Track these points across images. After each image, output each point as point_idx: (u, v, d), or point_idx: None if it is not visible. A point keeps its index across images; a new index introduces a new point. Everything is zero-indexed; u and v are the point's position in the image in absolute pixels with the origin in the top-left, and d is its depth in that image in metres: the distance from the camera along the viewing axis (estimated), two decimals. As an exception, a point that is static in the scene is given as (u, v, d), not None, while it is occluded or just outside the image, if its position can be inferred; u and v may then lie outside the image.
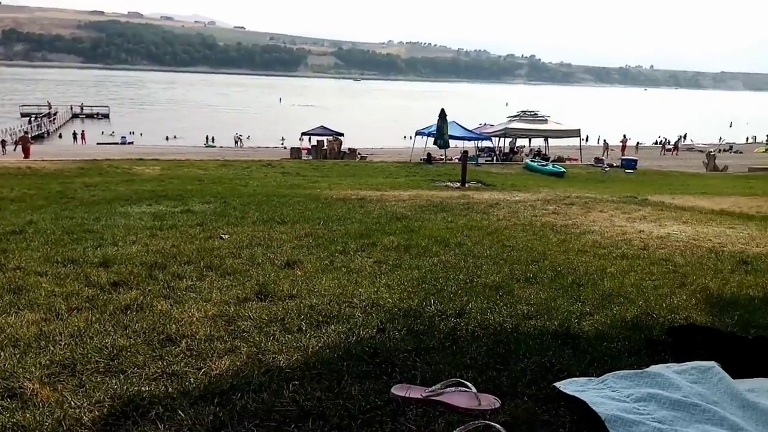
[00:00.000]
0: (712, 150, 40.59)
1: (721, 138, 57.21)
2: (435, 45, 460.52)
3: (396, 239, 5.45)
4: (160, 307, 3.16)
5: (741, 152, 47.90)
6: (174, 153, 31.34)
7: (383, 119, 73.84)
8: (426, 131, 29.98)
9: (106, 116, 67.43)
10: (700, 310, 3.25)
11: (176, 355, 2.51)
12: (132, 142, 46.51)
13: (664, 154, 44.67)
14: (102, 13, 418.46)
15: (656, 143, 54.26)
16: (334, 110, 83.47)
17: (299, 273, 4.09)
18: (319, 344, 2.65)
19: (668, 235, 6.42)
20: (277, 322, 2.96)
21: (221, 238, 5.34)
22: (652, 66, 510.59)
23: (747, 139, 61.09)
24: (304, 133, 39.42)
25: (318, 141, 34.19)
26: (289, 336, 2.76)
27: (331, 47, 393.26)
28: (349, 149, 33.28)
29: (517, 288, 3.75)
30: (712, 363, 2.11)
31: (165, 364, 2.41)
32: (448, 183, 17.21)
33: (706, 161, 33.74)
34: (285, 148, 38.80)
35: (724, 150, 47.77)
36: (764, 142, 55.24)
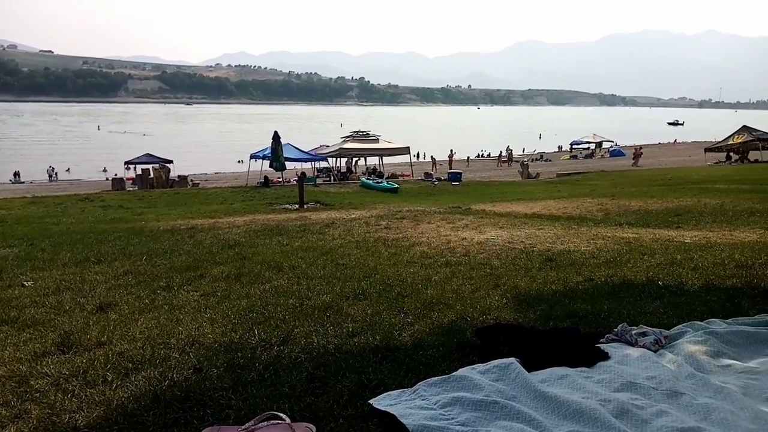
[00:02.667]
0: (525, 159, 44.99)
1: (534, 150, 63.65)
2: (265, 68, 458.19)
3: (227, 269, 5.23)
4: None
5: (550, 160, 53.55)
6: (-31, 194, 27.37)
7: (216, 144, 71.35)
8: (261, 154, 29.53)
9: None
10: (510, 309, 3.51)
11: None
12: None
13: (500, 166, 48.51)
14: None
15: (479, 156, 58.81)
16: (162, 136, 79.01)
17: (113, 316, 3.73)
18: (126, 395, 2.40)
19: (487, 240, 6.90)
20: (79, 375, 2.64)
21: (23, 285, 4.74)
22: (469, 86, 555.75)
23: (559, 147, 68.53)
24: (128, 163, 36.69)
25: (143, 170, 32.04)
26: (92, 390, 2.47)
27: (154, 71, 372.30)
28: (179, 177, 31.63)
29: (346, 306, 3.76)
30: (512, 359, 2.26)
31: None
32: (287, 205, 17.05)
33: (521, 170, 37.26)
34: (107, 179, 35.77)
35: (536, 159, 53.09)
36: (568, 150, 62.37)
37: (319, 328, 3.24)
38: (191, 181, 31.65)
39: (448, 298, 3.86)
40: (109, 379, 2.60)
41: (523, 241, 6.73)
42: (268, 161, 27.62)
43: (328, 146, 36.67)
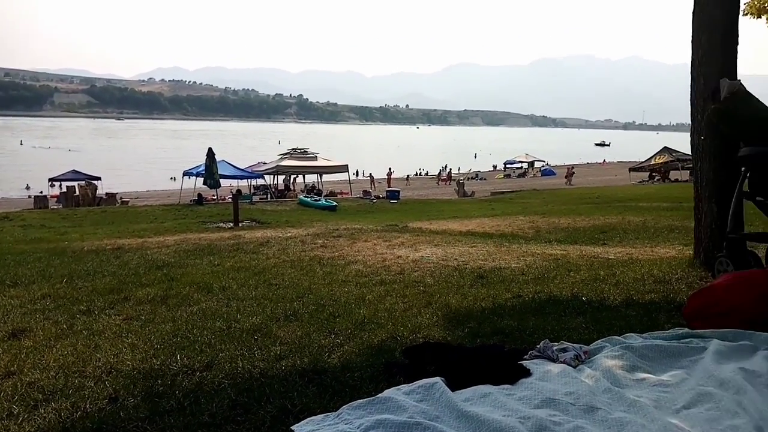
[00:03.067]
0: (461, 178, 45.97)
1: (470, 169, 65.10)
2: (201, 83, 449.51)
3: (153, 291, 5.03)
4: None
5: (485, 179, 54.96)
6: None
7: (148, 161, 69.11)
8: (194, 171, 28.85)
9: None
10: (440, 327, 3.53)
11: None
12: None
13: (440, 184, 49.21)
14: None
15: (417, 174, 59.64)
16: (90, 152, 75.86)
17: (27, 343, 3.51)
18: (32, 429, 2.24)
19: (422, 258, 6.95)
20: (-19, 410, 2.45)
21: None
22: (407, 105, 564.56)
23: (494, 167, 70.41)
24: (52, 180, 34.93)
25: (68, 187, 30.61)
26: (-6, 426, 2.30)
27: (82, 84, 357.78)
28: (107, 194, 30.40)
29: (276, 328, 3.67)
30: (436, 379, 2.27)
31: None
32: (221, 224, 16.67)
33: (457, 188, 38.02)
34: (30, 197, 33.91)
35: (472, 178, 54.37)
36: (502, 169, 64.24)
37: (246, 352, 3.15)
38: (120, 199, 30.51)
39: (380, 317, 3.84)
40: (15, 412, 2.42)
41: (456, 259, 6.81)
42: (202, 178, 27.02)
43: (265, 163, 36.26)
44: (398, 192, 32.33)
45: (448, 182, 47.95)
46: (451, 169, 58.13)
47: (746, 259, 4.38)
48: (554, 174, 57.69)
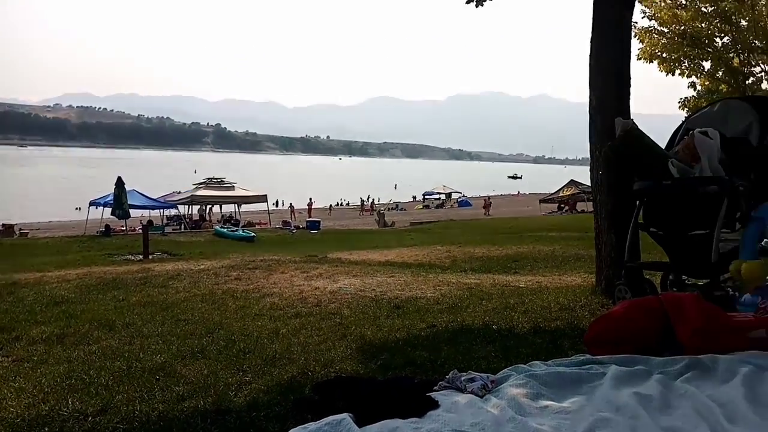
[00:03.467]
0: (382, 209, 46.46)
1: (390, 200, 65.97)
2: (112, 110, 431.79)
3: (49, 329, 4.68)
4: None
5: (405, 209, 55.87)
6: None
7: (52, 190, 65.12)
8: (102, 201, 27.46)
9: None
10: (354, 360, 3.48)
11: None
12: None
13: (362, 214, 49.31)
14: None
15: (338, 205, 59.73)
16: (-14, 181, 70.66)
17: None
18: None
19: (340, 289, 6.89)
20: None
21: None
22: (328, 136, 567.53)
23: (413, 197, 71.65)
24: (-60, 210, 32.17)
25: (-40, 218, 28.25)
26: None
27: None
28: (4, 225, 28.27)
29: (181, 366, 3.49)
30: (344, 415, 2.23)
31: None
32: (129, 256, 15.89)
33: (378, 219, 38.35)
34: None
35: (392, 208, 55.07)
36: (421, 200, 65.60)
37: (145, 394, 2.96)
38: (19, 230, 28.48)
39: (293, 351, 3.75)
40: None
41: (374, 289, 6.81)
42: (110, 209, 25.77)
43: (180, 193, 35.12)
44: (319, 222, 32.20)
45: (370, 212, 48.20)
46: (373, 199, 58.67)
47: (643, 286, 4.66)
48: (470, 205, 59.54)
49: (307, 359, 3.51)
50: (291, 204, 45.61)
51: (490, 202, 49.77)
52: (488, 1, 6.35)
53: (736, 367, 2.67)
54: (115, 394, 2.97)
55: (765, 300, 3.42)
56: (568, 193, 43.82)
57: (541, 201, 47.90)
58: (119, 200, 24.61)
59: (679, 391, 2.44)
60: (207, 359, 3.67)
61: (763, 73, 19.24)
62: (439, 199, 64.71)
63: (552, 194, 48.47)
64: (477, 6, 6.39)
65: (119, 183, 24.74)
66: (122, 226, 27.34)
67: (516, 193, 79.40)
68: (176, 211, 32.96)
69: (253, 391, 2.94)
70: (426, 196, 66.45)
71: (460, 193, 68.51)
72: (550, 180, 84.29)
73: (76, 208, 39.54)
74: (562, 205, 44.78)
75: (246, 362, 3.51)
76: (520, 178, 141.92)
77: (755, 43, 18.65)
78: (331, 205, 55.27)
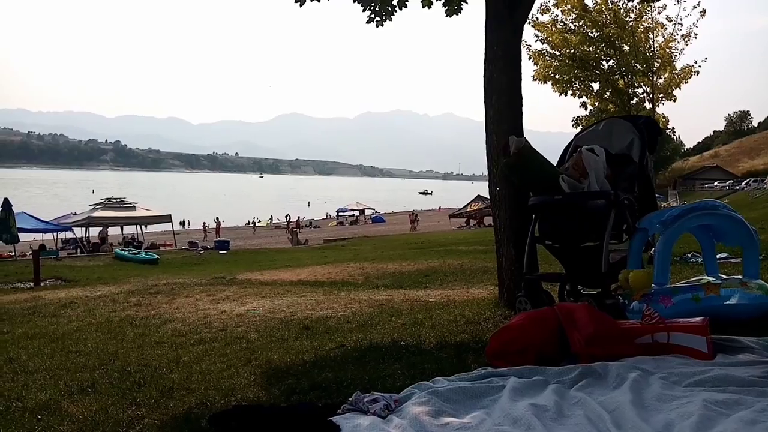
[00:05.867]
0: (295, 227, 45.89)
1: (303, 217, 65.30)
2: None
3: None
4: None
5: (318, 227, 55.53)
6: None
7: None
8: (-15, 225, 25.22)
9: None
10: (258, 386, 3.36)
11: None
12: None
13: (288, 232, 48.17)
14: None
15: (248, 224, 58.37)
16: None
17: None
18: None
19: (247, 311, 6.69)
20: None
21: None
22: (237, 153, 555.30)
23: (327, 215, 71.30)
24: None
25: None
26: None
27: None
28: None
29: (68, 403, 3.23)
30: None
31: None
32: (18, 284, 14.69)
33: (291, 237, 37.81)
34: None
35: (305, 226, 54.54)
36: (335, 217, 65.44)
37: (24, 437, 2.71)
38: None
39: (192, 381, 3.56)
40: None
41: (284, 310, 6.67)
42: (-4, 233, 23.72)
43: (76, 214, 33.04)
44: (228, 242, 31.25)
45: (298, 230, 46.91)
46: (299, 217, 57.71)
47: (541, 297, 4.86)
48: (384, 221, 60.19)
49: (207, 388, 3.34)
50: (204, 223, 44.08)
51: (417, 218, 50.33)
52: (388, 22, 6.47)
53: (625, 372, 2.82)
54: (-12, 440, 2.69)
55: (650, 307, 3.65)
56: (475, 208, 45.38)
57: (451, 216, 49.23)
58: (6, 224, 22.69)
59: (572, 399, 2.54)
60: (98, 394, 3.42)
61: (645, 94, 21.00)
62: (353, 215, 64.91)
63: (460, 209, 49.99)
64: (377, 26, 6.50)
65: (5, 205, 22.84)
66: (11, 252, 25.30)
67: (438, 208, 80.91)
68: (72, 234, 30.95)
69: (146, 426, 2.76)
70: (340, 213, 66.49)
71: (373, 209, 69.10)
72: (459, 195, 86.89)
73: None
74: (471, 220, 46.25)
75: (140, 395, 3.29)
76: (431, 193, 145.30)
77: (636, 66, 20.35)
78: (254, 223, 54.39)
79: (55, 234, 29.78)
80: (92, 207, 32.18)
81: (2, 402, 3.31)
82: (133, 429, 2.73)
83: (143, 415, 2.92)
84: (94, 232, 33.26)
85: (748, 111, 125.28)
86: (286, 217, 58.51)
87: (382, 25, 6.46)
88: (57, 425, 2.85)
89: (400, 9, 6.45)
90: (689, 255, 7.91)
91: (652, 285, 4.18)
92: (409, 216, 51.94)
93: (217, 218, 44.95)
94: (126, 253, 25.29)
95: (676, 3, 19.71)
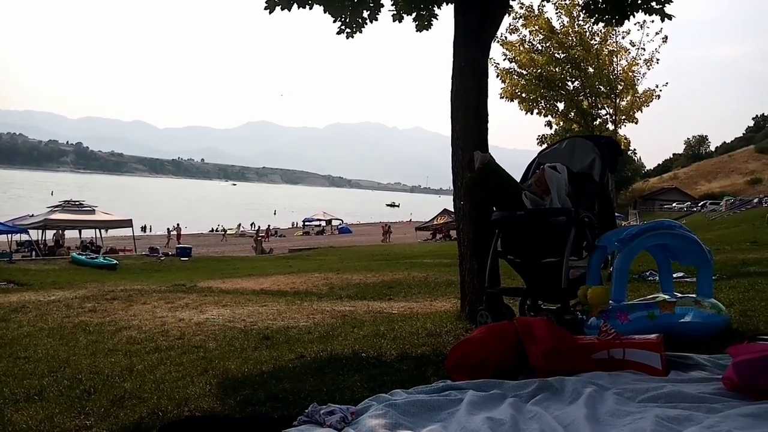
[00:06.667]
0: (259, 235, 45.36)
1: (270, 226, 64.68)
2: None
3: None
4: None
5: (284, 236, 55.04)
6: None
7: None
8: (-65, 226, 24.31)
9: None
10: (212, 396, 3.28)
11: None
12: None
13: (259, 240, 47.34)
14: None
15: (212, 231, 57.45)
16: None
17: None
18: None
19: (206, 320, 6.57)
20: None
21: None
22: (203, 159, 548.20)
23: (293, 224, 70.71)
24: None
25: None
26: None
27: None
28: None
29: (12, 412, 3.10)
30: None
31: None
32: (-34, 287, 14.13)
33: (255, 245, 37.38)
34: None
35: (271, 234, 53.98)
36: (302, 227, 65.01)
37: (-38, 447, 2.59)
38: None
39: (145, 390, 3.46)
40: None
41: (244, 320, 6.57)
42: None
43: (32, 216, 32.05)
44: (190, 249, 30.73)
45: (267, 239, 46.16)
46: (269, 225, 56.94)
47: (502, 311, 4.90)
48: (351, 232, 60.08)
49: (160, 398, 3.25)
50: (168, 229, 43.14)
51: (390, 229, 50.29)
52: (359, 34, 6.49)
53: (581, 387, 2.85)
54: None
55: (607, 323, 3.71)
56: (442, 222, 45.70)
57: (417, 229, 49.47)
58: (-44, 224, 21.93)
59: (529, 414, 2.56)
60: (45, 402, 3.30)
61: (608, 116, 21.59)
62: (320, 225, 64.62)
63: (427, 222, 50.28)
64: (348, 38, 6.51)
65: (-43, 205, 22.08)
66: (-41, 254, 24.38)
67: (408, 221, 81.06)
68: (27, 236, 30.00)
69: (94, 437, 2.67)
70: (306, 223, 66.11)
71: (340, 219, 68.96)
72: (426, 208, 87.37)
73: None
74: (436, 233, 46.55)
75: (90, 404, 3.19)
76: (398, 206, 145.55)
77: (600, 88, 20.94)
78: (224, 231, 53.49)
79: (9, 236, 28.87)
80: (50, 209, 31.30)
81: (-60, 411, 3.16)
82: (80, 440, 2.64)
83: (91, 424, 2.83)
84: (50, 234, 32.33)
85: (706, 136, 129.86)
86: (251, 225, 57.81)
87: (353, 37, 6.48)
88: (-1, 435, 2.74)
89: (371, 22, 6.47)
90: (647, 273, 8.10)
91: (610, 301, 4.25)
92: (382, 227, 51.96)
93: (178, 224, 44.11)
94: (83, 257, 24.65)
95: (639, 29, 20.36)
